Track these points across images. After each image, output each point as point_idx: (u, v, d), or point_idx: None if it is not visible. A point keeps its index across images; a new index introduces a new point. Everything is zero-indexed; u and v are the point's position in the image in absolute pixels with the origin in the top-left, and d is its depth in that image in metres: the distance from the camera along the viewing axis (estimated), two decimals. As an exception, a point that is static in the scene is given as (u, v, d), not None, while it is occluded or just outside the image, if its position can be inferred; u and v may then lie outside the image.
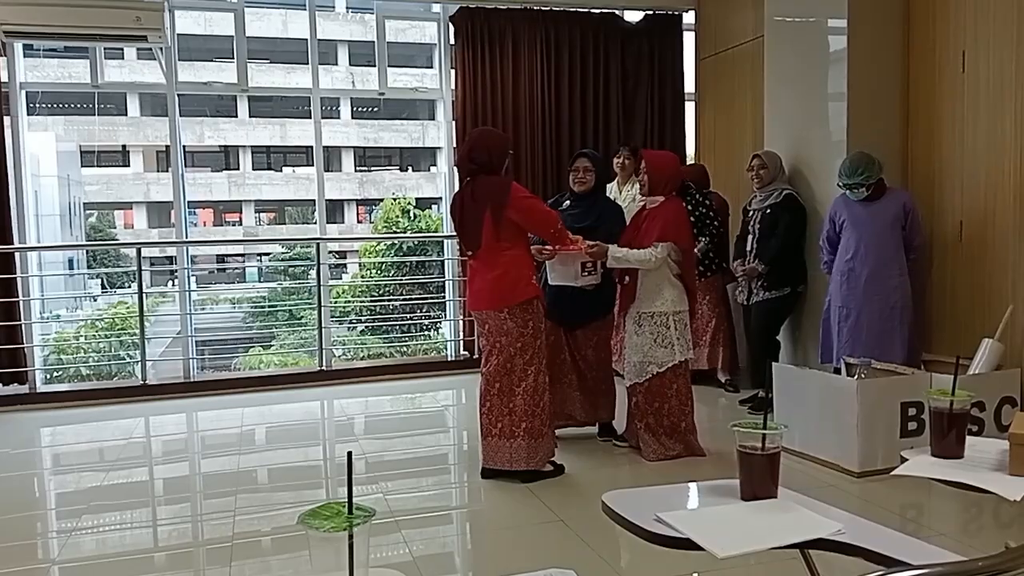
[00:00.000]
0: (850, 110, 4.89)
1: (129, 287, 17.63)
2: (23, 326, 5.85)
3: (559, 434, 4.50)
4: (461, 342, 6.86)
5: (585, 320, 4.37)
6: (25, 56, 6.18)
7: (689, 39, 7.09)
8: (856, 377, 4.02)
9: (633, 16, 7.04)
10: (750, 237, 5.11)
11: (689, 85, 7.11)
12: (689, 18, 7.07)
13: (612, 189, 5.78)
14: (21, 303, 5.84)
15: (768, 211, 5.02)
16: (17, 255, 5.83)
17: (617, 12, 6.97)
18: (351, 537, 1.02)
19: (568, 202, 4.49)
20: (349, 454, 1.08)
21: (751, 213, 5.15)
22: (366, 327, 13.32)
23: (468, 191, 3.90)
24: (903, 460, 1.85)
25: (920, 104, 4.92)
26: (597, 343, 4.42)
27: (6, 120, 5.75)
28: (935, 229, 4.82)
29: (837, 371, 4.48)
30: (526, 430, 3.83)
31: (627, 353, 4.21)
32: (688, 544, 1.40)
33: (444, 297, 7.52)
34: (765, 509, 1.54)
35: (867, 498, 3.57)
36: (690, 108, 7.14)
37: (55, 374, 7.70)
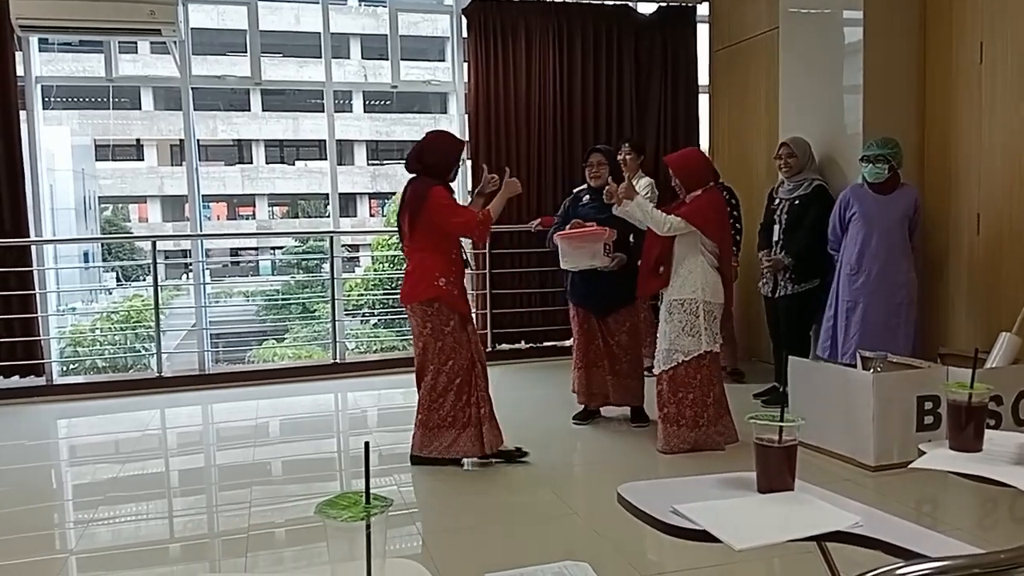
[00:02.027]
0: (866, 102, 4.85)
1: (144, 280, 17.75)
2: (39, 319, 5.89)
3: (608, 415, 4.84)
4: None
5: (615, 307, 4.57)
6: (40, 50, 6.21)
7: (703, 31, 7.05)
8: (871, 370, 3.99)
9: (646, 8, 7.01)
10: (776, 227, 4.96)
11: (703, 77, 7.08)
12: (703, 10, 7.03)
13: None
14: (38, 296, 5.88)
15: (796, 201, 4.87)
16: (33, 248, 5.87)
17: (630, 4, 6.95)
18: (368, 527, 1.03)
19: (587, 196, 4.66)
20: (366, 444, 1.08)
21: (777, 201, 5.00)
22: (379, 320, 13.36)
23: (407, 189, 3.99)
24: (920, 453, 1.84)
25: (937, 96, 4.87)
26: (630, 328, 4.64)
27: (22, 114, 5.79)
28: (952, 222, 4.78)
29: (851, 365, 4.45)
30: (422, 421, 3.98)
31: (658, 341, 4.25)
32: (705, 536, 1.40)
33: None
34: (782, 501, 1.53)
35: (882, 492, 3.56)
36: (704, 100, 7.10)
37: (71, 366, 7.75)
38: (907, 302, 4.48)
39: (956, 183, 4.75)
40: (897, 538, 1.39)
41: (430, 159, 3.91)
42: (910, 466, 1.80)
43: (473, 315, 4.19)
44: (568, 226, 4.48)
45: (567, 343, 6.47)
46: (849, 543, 1.43)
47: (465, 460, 4.04)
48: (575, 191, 4.85)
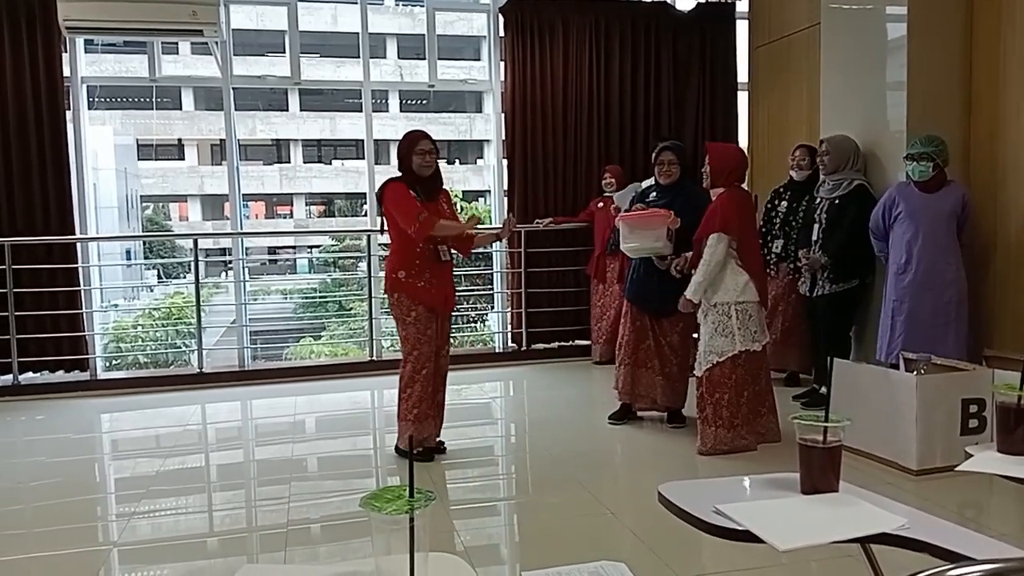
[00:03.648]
0: (909, 100, 4.76)
1: (184, 278, 18.02)
2: (84, 315, 6.01)
3: (642, 415, 4.80)
4: (509, 334, 6.87)
5: (672, 308, 4.46)
6: (85, 51, 6.33)
7: (742, 28, 6.98)
8: (915, 373, 3.92)
9: (685, 5, 6.96)
10: (816, 226, 4.91)
11: (742, 75, 7.01)
12: (743, 6, 6.96)
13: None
14: (82, 292, 6.00)
15: (836, 201, 4.82)
16: (79, 245, 5.99)
17: (668, 1, 6.90)
18: (412, 520, 1.03)
19: (654, 193, 4.63)
20: (410, 438, 1.09)
21: (819, 201, 4.95)
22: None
23: None
24: (967, 456, 1.80)
25: (983, 92, 4.77)
26: (682, 329, 4.60)
27: (67, 114, 5.90)
28: (998, 221, 4.68)
29: (894, 367, 4.37)
30: (398, 412, 4.12)
31: (699, 344, 4.24)
32: (747, 537, 1.38)
33: (492, 289, 7.54)
34: (826, 503, 1.51)
35: (925, 496, 3.49)
36: (743, 98, 7.03)
37: (114, 362, 7.90)
38: (956, 300, 4.40)
39: (1003, 180, 4.65)
40: (945, 540, 1.36)
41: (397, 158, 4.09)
42: (957, 468, 1.77)
43: (447, 311, 4.22)
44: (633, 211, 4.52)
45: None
46: (895, 545, 1.41)
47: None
48: (645, 190, 4.82)
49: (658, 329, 4.59)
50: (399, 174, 4.06)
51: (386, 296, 4.11)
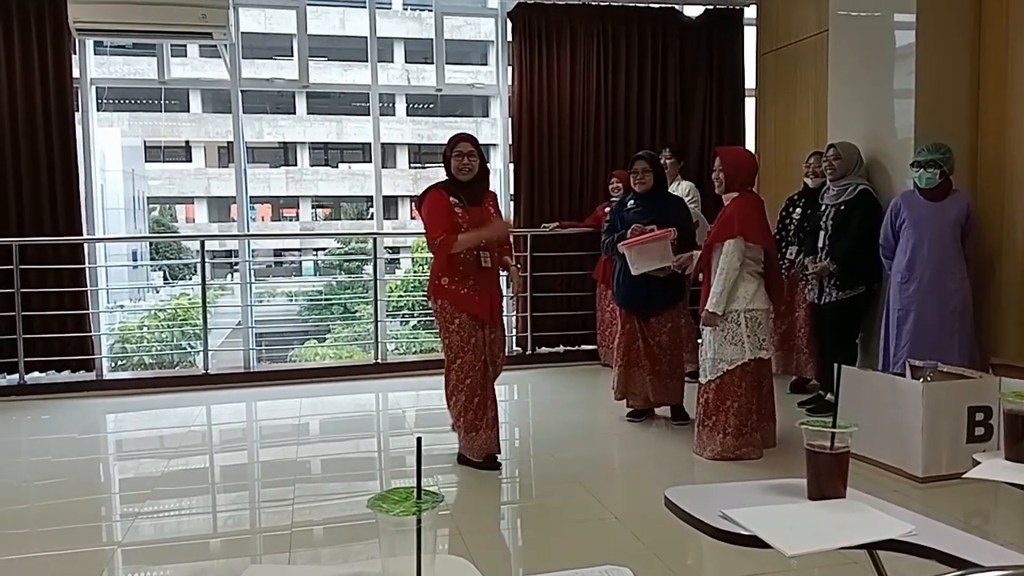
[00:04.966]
0: (917, 107, 4.76)
1: (190, 279, 18.07)
2: (91, 315, 6.03)
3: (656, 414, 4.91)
4: (514, 338, 6.87)
5: (657, 308, 4.65)
6: (94, 53, 6.35)
7: (750, 34, 6.98)
8: (922, 380, 3.91)
9: (693, 11, 6.96)
10: (822, 233, 4.90)
11: (749, 81, 7.01)
12: (750, 12, 6.96)
13: None
14: (89, 293, 6.01)
15: (841, 207, 4.81)
16: (86, 246, 6.01)
17: (677, 7, 6.90)
18: (419, 522, 1.03)
19: (632, 201, 4.74)
20: (419, 439, 1.09)
21: (824, 207, 4.95)
22: (419, 322, 13.43)
23: None
24: (975, 463, 1.80)
25: (991, 98, 4.76)
26: (671, 329, 4.70)
27: (76, 116, 5.92)
28: (1005, 229, 4.67)
29: (900, 375, 4.36)
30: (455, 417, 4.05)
31: (703, 350, 4.23)
32: (754, 541, 1.38)
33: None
34: (834, 508, 1.51)
35: (930, 504, 3.48)
36: (750, 104, 7.02)
37: (120, 362, 7.91)
38: (960, 309, 4.39)
39: (1010, 188, 4.64)
40: (952, 547, 1.36)
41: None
42: (965, 475, 1.76)
43: (499, 318, 4.14)
44: (629, 233, 4.54)
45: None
46: (902, 552, 1.41)
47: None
48: (622, 198, 4.92)
49: (647, 330, 4.68)
50: (444, 178, 4.01)
51: (431, 302, 4.02)
